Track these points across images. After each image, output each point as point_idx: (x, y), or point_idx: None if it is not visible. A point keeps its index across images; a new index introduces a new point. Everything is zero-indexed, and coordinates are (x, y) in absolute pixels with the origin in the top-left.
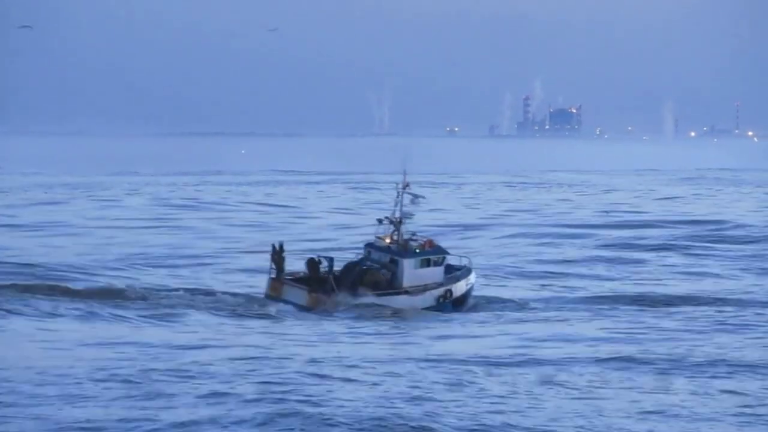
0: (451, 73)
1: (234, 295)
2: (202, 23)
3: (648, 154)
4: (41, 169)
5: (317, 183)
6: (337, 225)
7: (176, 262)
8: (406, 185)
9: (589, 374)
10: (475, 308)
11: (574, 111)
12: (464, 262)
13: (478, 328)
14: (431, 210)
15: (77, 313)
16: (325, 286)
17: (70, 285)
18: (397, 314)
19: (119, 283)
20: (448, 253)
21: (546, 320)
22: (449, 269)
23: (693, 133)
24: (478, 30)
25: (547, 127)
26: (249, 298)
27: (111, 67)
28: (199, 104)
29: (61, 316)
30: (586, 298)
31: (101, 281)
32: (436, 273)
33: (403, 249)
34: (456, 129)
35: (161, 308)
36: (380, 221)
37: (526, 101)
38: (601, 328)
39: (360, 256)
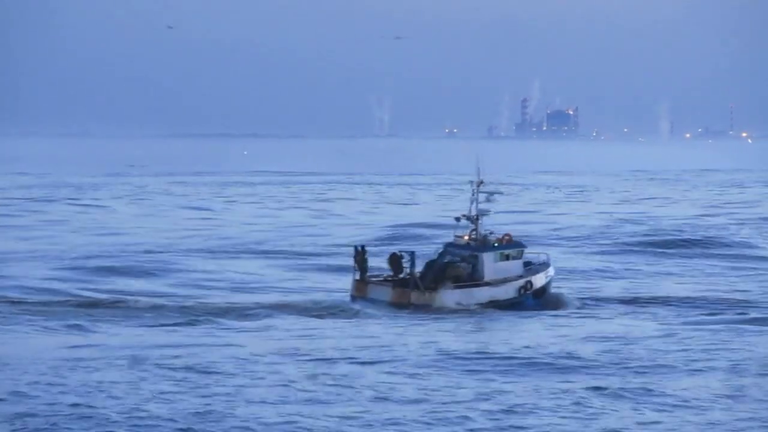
0: (451, 76)
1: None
2: (205, 25)
3: (641, 156)
4: (51, 170)
5: (318, 184)
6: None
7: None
8: (480, 182)
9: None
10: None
11: (571, 113)
12: (542, 258)
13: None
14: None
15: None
16: (409, 283)
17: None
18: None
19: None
20: (525, 247)
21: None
22: (528, 265)
23: (688, 135)
24: (477, 34)
25: (544, 128)
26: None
27: (115, 69)
28: (203, 106)
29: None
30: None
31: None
32: (515, 266)
33: (482, 244)
34: (455, 130)
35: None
36: (458, 220)
37: (524, 103)
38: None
39: (439, 252)
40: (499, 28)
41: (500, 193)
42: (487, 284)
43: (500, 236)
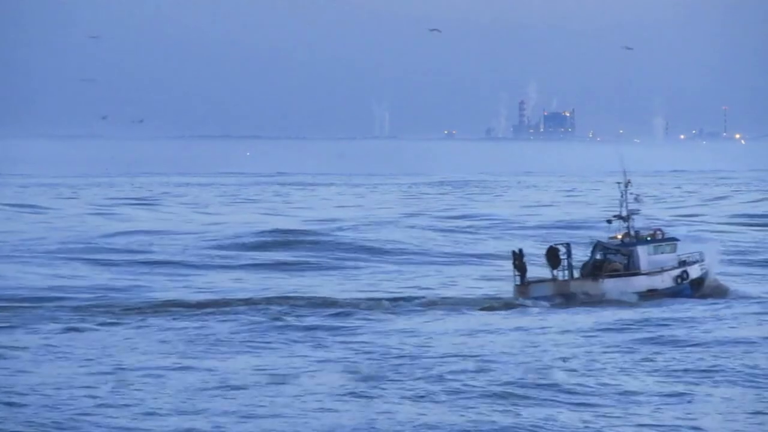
0: (449, 78)
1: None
2: (207, 27)
3: (636, 157)
4: (59, 172)
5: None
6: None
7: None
8: (628, 182)
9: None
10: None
11: (568, 114)
12: (696, 254)
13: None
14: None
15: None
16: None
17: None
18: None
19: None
20: (678, 240)
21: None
22: (682, 259)
23: (682, 136)
24: (476, 36)
25: (541, 129)
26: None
27: (119, 71)
28: (205, 108)
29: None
30: None
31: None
32: (669, 258)
33: (635, 239)
34: (454, 132)
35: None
36: (609, 222)
37: (522, 105)
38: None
39: (591, 249)
40: (496, 32)
41: (644, 195)
42: (645, 274)
43: (652, 231)
